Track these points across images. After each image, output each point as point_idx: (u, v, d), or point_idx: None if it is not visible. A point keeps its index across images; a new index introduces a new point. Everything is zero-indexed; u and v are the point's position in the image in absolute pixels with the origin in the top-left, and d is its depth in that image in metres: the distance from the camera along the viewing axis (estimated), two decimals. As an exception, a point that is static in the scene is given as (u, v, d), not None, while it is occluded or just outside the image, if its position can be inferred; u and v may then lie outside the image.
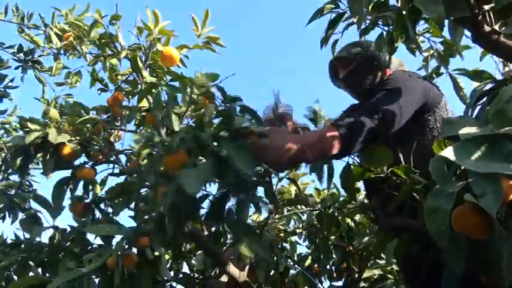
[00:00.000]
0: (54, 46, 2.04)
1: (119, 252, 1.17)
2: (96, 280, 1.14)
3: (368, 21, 1.48)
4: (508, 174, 0.63)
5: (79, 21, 1.97)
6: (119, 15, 1.78)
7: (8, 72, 2.76)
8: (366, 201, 1.47)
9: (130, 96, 1.80)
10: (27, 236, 1.49)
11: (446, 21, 1.17)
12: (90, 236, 1.41)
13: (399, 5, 1.31)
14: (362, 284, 1.54)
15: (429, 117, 1.33)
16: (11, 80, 2.80)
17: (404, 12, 1.22)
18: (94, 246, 1.34)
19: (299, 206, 1.65)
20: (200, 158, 1.23)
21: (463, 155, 0.60)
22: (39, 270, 1.33)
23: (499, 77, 1.33)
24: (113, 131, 1.62)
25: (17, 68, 2.65)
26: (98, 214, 1.57)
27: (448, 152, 0.60)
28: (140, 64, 1.59)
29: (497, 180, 0.68)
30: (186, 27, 1.85)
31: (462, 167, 0.75)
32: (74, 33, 1.91)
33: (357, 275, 1.66)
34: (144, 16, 1.73)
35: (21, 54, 2.58)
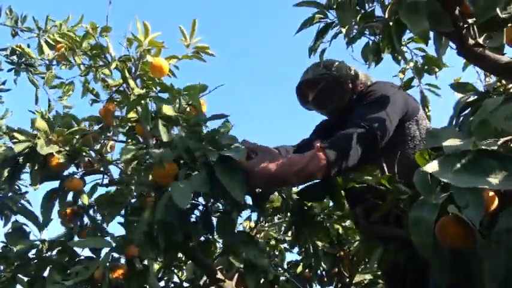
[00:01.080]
0: (46, 57, 2.03)
1: (107, 264, 1.15)
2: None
3: (355, 31, 1.49)
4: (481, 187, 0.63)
5: (72, 32, 1.97)
6: (109, 27, 1.79)
7: (0, 74, 2.72)
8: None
9: (122, 106, 1.79)
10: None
11: (431, 32, 1.19)
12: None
13: (386, 16, 1.32)
14: (353, 288, 1.54)
15: (410, 126, 1.34)
16: (3, 83, 2.75)
17: (391, 24, 1.23)
18: (82, 257, 1.32)
19: (289, 214, 1.64)
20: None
21: (446, 169, 0.60)
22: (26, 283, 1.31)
23: (481, 87, 1.35)
24: (105, 142, 1.60)
25: (9, 70, 2.59)
26: (86, 220, 1.55)
27: (432, 166, 0.60)
28: (128, 75, 1.59)
29: (480, 191, 0.68)
30: (177, 37, 1.85)
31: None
32: (66, 44, 1.90)
33: (347, 280, 1.65)
34: (134, 27, 1.73)
35: (15, 57, 2.54)
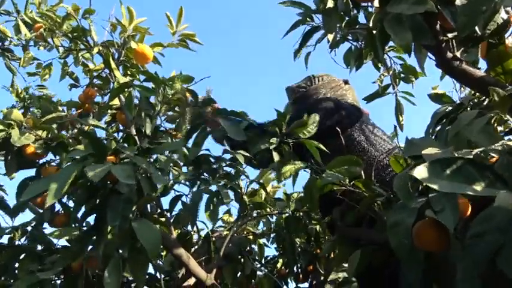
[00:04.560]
0: (23, 37, 1.90)
1: (85, 255, 1.11)
2: (59, 282, 1.07)
3: (339, 36, 1.51)
4: (464, 193, 0.66)
5: (51, 12, 1.85)
6: (92, 9, 1.69)
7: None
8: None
9: (103, 92, 1.71)
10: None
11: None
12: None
13: (370, 24, 1.34)
14: (327, 286, 1.56)
15: (352, 133, 1.42)
16: (-22, 68, 2.57)
17: (374, 32, 1.25)
18: (58, 247, 1.26)
19: (268, 209, 1.64)
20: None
21: (433, 176, 0.62)
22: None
23: (457, 96, 1.41)
24: (84, 127, 1.53)
25: (-16, 55, 2.44)
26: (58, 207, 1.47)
27: (419, 173, 0.61)
28: (112, 63, 1.52)
29: (455, 197, 0.71)
30: (163, 23, 1.79)
31: (424, 184, 0.78)
32: (45, 24, 1.79)
33: (322, 278, 1.68)
34: (118, 12, 1.66)
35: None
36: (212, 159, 1.40)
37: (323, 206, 1.37)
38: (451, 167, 0.62)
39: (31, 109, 1.70)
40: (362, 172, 1.16)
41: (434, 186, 0.59)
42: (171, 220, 1.44)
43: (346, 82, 1.70)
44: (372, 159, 1.35)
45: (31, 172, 1.41)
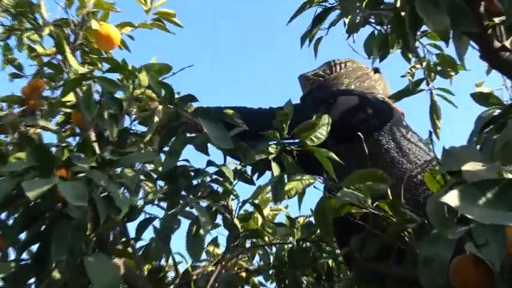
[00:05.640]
0: None
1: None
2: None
3: (358, 18, 1.54)
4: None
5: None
6: (42, -22, 1.72)
7: None
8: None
9: (54, 84, 1.73)
10: None
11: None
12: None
13: (398, 3, 1.37)
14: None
15: (380, 138, 1.43)
16: None
17: (403, 14, 1.28)
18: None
19: (266, 238, 1.66)
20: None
21: (469, 202, 0.64)
22: None
23: (507, 95, 1.43)
24: (28, 129, 1.54)
25: None
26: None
27: (452, 198, 0.64)
28: (67, 48, 1.54)
29: (502, 227, 0.74)
30: (132, 1, 1.81)
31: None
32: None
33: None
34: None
35: None
36: (192, 173, 1.42)
37: (338, 234, 1.38)
38: (492, 189, 0.64)
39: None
40: (389, 190, 1.18)
41: (470, 216, 0.61)
42: (140, 252, 1.45)
43: (376, 71, 1.72)
44: (403, 173, 1.36)
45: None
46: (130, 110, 1.50)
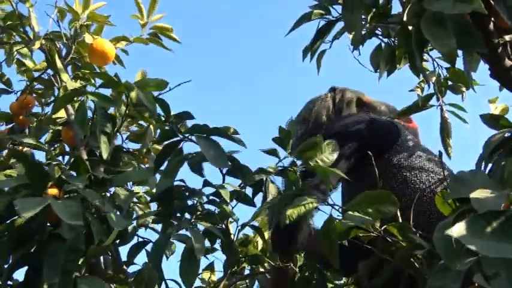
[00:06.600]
0: None
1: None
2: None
3: (364, 30, 1.56)
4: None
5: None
6: (33, -10, 1.75)
7: None
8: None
9: (44, 100, 1.75)
10: None
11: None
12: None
13: (405, 17, 1.39)
14: None
15: (391, 158, 1.47)
16: None
17: (410, 28, 1.29)
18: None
19: (266, 264, 1.65)
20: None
21: (475, 234, 0.65)
22: None
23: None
24: (16, 147, 1.56)
25: None
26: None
27: (458, 230, 0.64)
28: (59, 62, 1.56)
29: (513, 259, 0.74)
30: (130, 12, 1.84)
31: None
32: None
33: None
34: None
35: None
36: (187, 193, 1.43)
37: (344, 260, 1.39)
38: (498, 219, 0.65)
39: None
40: (398, 212, 1.19)
41: (475, 248, 0.61)
42: (133, 278, 1.46)
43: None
44: (414, 194, 1.37)
45: None
46: (123, 127, 1.51)
